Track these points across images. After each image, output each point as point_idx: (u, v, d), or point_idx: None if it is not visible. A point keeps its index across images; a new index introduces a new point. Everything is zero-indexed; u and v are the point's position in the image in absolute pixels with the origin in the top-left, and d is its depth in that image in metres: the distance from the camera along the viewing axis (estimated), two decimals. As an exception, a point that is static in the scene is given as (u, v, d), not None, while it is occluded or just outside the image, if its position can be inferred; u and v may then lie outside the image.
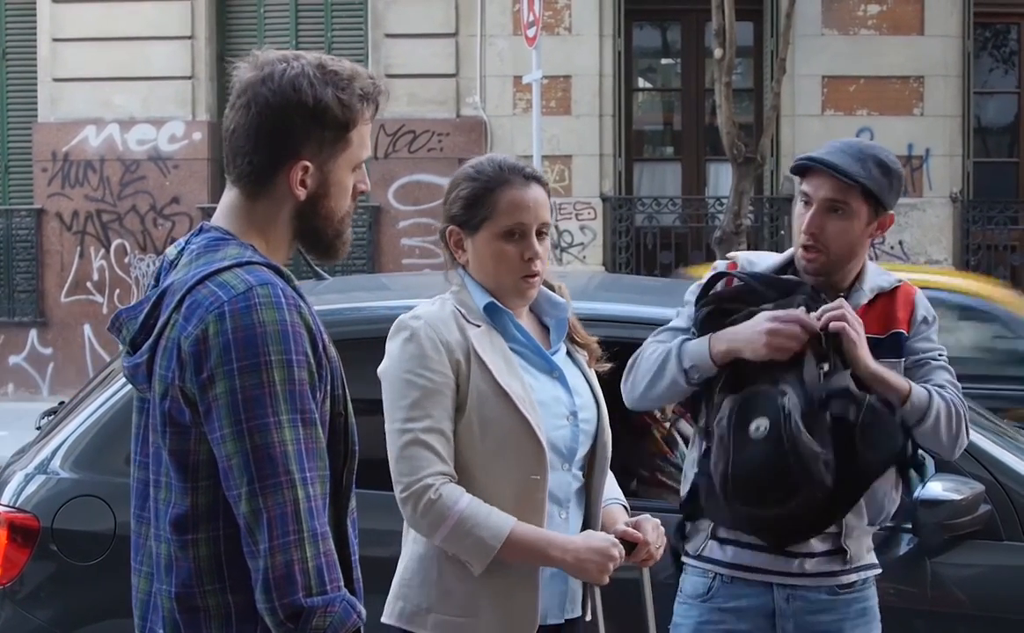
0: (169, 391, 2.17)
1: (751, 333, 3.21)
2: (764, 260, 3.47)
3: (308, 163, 2.28)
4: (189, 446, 2.17)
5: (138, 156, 14.23)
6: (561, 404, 3.03)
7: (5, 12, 14.69)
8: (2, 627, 4.05)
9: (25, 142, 14.50)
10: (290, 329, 2.14)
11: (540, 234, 3.02)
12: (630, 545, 2.99)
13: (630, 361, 3.38)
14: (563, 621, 3.06)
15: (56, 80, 14.32)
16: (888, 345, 3.32)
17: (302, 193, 2.29)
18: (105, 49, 14.19)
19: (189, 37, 14.19)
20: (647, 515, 3.11)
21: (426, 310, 2.98)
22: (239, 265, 2.19)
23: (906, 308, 3.39)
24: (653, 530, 3.03)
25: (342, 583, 2.17)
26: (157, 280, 2.32)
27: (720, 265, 3.46)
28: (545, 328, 3.15)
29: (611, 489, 3.20)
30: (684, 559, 3.40)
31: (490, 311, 3.02)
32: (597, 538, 2.92)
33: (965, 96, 14.21)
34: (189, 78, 14.20)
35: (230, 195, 2.32)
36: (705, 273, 3.44)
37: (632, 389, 3.38)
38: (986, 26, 14.81)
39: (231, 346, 2.11)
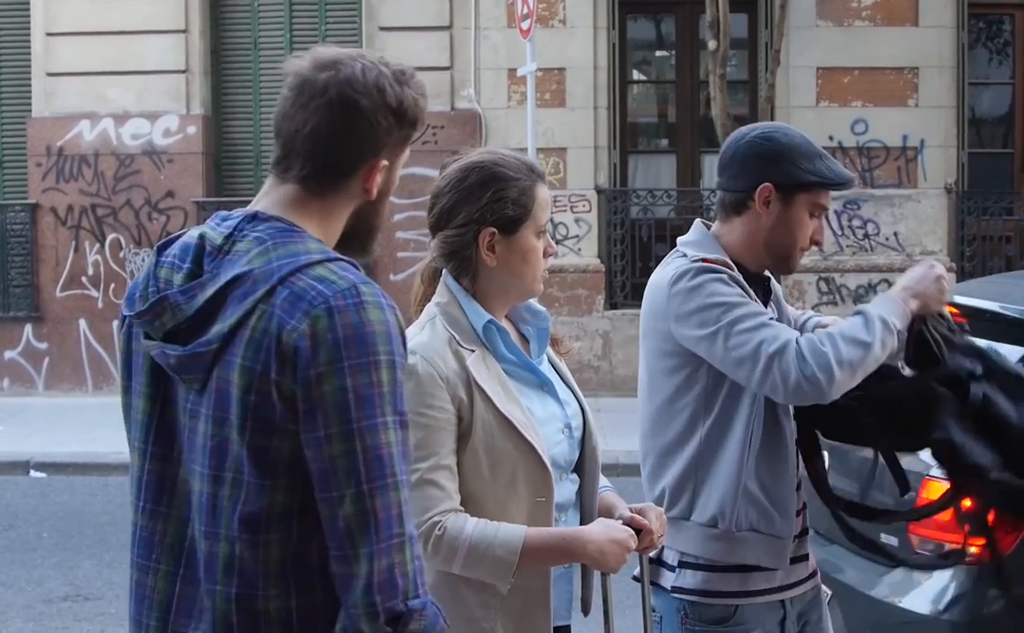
0: (255, 385, 2.09)
1: (935, 284, 3.15)
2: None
3: (386, 162, 2.27)
4: (272, 443, 2.10)
5: (132, 150, 14.22)
6: (556, 419, 3.02)
7: (-2, 6, 14.68)
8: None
9: (19, 137, 14.49)
10: (392, 330, 2.11)
11: None
12: (636, 531, 3.01)
13: (803, 350, 3.02)
14: (570, 622, 3.07)
15: (50, 75, 14.30)
16: None
17: (373, 192, 2.28)
18: (99, 43, 14.18)
19: (183, 31, 14.17)
20: (650, 503, 3.11)
21: (419, 341, 2.89)
22: (328, 260, 2.15)
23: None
24: (656, 518, 3.04)
25: (428, 588, 2.15)
26: (197, 264, 2.20)
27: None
28: (523, 338, 3.13)
29: (601, 480, 3.20)
30: (686, 596, 3.29)
31: (486, 331, 2.97)
32: (616, 529, 2.91)
33: (959, 87, 14.22)
34: (183, 72, 14.19)
35: (287, 189, 2.25)
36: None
37: (841, 366, 3.01)
38: (980, 17, 14.82)
39: (341, 343, 2.06)
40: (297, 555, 2.14)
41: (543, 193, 2.98)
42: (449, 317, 2.95)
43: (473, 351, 2.92)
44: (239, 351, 2.10)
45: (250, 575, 2.14)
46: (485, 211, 2.93)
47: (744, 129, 3.31)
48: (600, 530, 2.91)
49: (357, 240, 2.33)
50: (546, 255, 3.01)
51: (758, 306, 3.13)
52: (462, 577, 2.86)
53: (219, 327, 2.12)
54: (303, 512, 2.13)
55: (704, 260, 3.18)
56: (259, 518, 2.13)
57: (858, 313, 3.10)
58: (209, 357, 2.13)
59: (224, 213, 2.28)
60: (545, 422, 2.98)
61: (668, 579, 3.31)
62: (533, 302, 3.11)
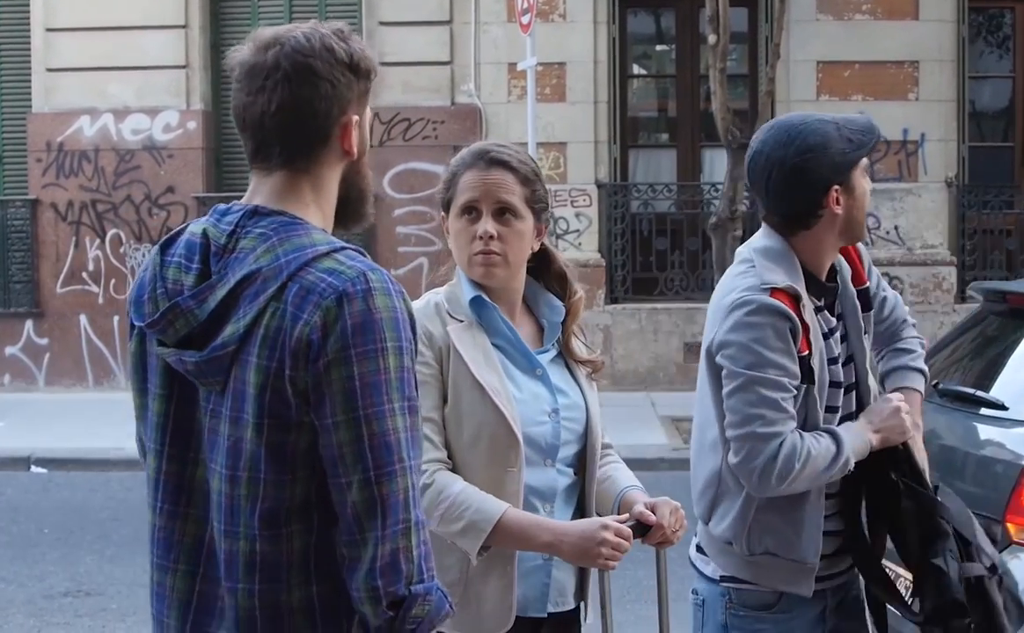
0: (270, 383, 2.10)
1: (894, 422, 3.26)
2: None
3: (355, 116, 2.28)
4: (289, 438, 2.12)
5: (132, 146, 14.21)
6: (541, 401, 3.05)
7: (-2, 2, 14.67)
8: None
9: (19, 132, 14.49)
10: (399, 316, 2.13)
11: (503, 215, 3.05)
12: (646, 527, 3.01)
13: (781, 454, 3.07)
14: (546, 615, 3.07)
15: (50, 70, 14.30)
16: (862, 302, 3.36)
17: (354, 151, 2.29)
18: (99, 39, 14.17)
19: (183, 26, 14.17)
20: (666, 498, 3.11)
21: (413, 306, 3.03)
22: (335, 250, 2.16)
23: (855, 254, 3.40)
24: (671, 513, 3.04)
25: (435, 573, 2.16)
26: (205, 263, 2.20)
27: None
28: (542, 329, 3.19)
29: (629, 477, 3.23)
30: (731, 584, 3.29)
31: (476, 306, 3.05)
32: (592, 527, 2.92)
33: (960, 81, 14.22)
34: (183, 67, 14.18)
35: (275, 179, 2.25)
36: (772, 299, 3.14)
37: (791, 484, 3.11)
38: (980, 11, 14.81)
39: (349, 332, 2.08)
40: (319, 543, 2.15)
41: (470, 176, 3.06)
42: (451, 294, 3.09)
43: (461, 321, 3.03)
44: (254, 350, 2.12)
45: (272, 569, 2.15)
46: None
47: (768, 149, 3.19)
48: (577, 526, 2.94)
49: (351, 206, 2.34)
50: (480, 238, 3.04)
51: (787, 376, 3.10)
52: (439, 538, 2.91)
53: (232, 328, 2.13)
54: (322, 500, 2.14)
55: (773, 292, 3.13)
56: (278, 513, 2.14)
57: (835, 440, 3.15)
58: (227, 359, 2.13)
59: (222, 207, 2.27)
60: (527, 401, 3.03)
61: (710, 567, 3.32)
62: (551, 297, 3.18)
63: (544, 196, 3.13)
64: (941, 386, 5.21)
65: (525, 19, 12.13)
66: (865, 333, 3.35)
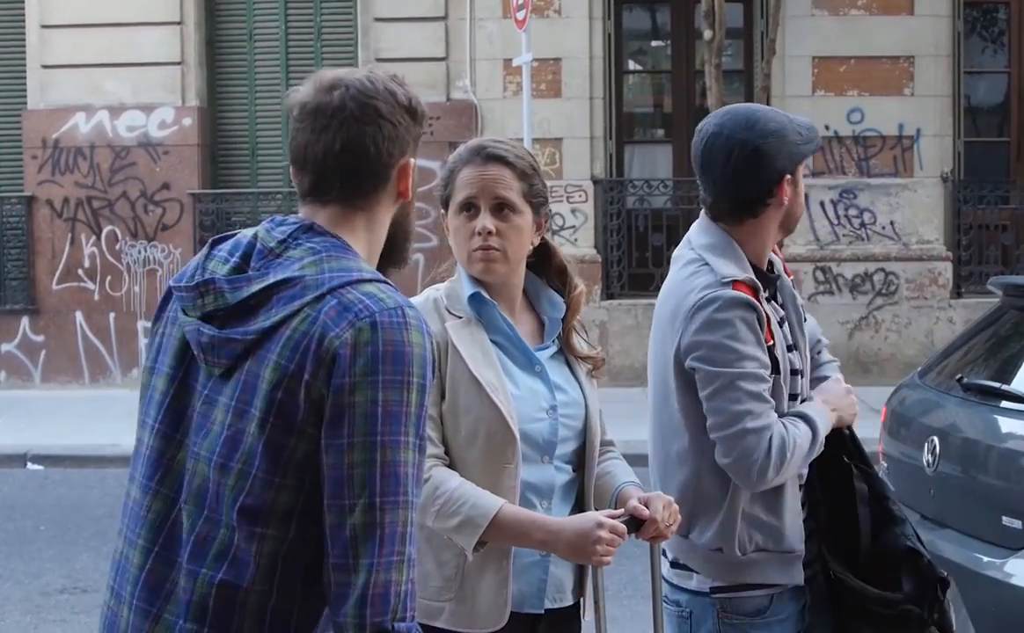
0: (285, 383, 2.14)
1: (847, 401, 3.35)
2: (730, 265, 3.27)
3: (412, 160, 2.36)
4: (289, 442, 2.14)
5: (128, 142, 14.20)
6: (539, 398, 3.05)
7: (-7, -1, 14.66)
8: None
9: (15, 129, 14.47)
10: (427, 356, 2.18)
11: (501, 210, 3.05)
12: (640, 522, 3.01)
13: (773, 446, 3.09)
14: (543, 611, 3.06)
15: (45, 67, 14.29)
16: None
17: (409, 193, 2.36)
18: (94, 35, 14.16)
19: (178, 22, 14.15)
20: (659, 492, 3.10)
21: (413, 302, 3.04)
22: (378, 281, 2.22)
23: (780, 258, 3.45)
24: (664, 507, 3.03)
25: (416, 613, 2.17)
26: (245, 260, 2.26)
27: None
28: (543, 324, 3.19)
29: (627, 473, 3.22)
30: (722, 593, 3.26)
31: (476, 302, 3.05)
32: (585, 523, 2.91)
33: (955, 76, 14.23)
34: (178, 64, 14.17)
35: (332, 209, 2.30)
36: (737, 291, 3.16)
37: (783, 473, 3.14)
38: (975, 6, 14.82)
39: (379, 358, 2.12)
40: (289, 556, 2.17)
41: (467, 172, 3.07)
42: (451, 290, 3.09)
43: (460, 317, 3.03)
44: (275, 348, 2.16)
45: (240, 565, 2.16)
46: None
47: (727, 131, 3.19)
48: (572, 523, 2.93)
49: (396, 247, 2.42)
50: (478, 233, 3.04)
51: (763, 367, 3.12)
52: (437, 534, 2.93)
53: (260, 323, 2.18)
54: (303, 516, 2.16)
55: (735, 284, 3.14)
56: (259, 510, 2.15)
57: (808, 422, 3.19)
58: (241, 347, 2.18)
59: (280, 218, 2.33)
60: (525, 397, 3.03)
61: (694, 580, 3.28)
62: (553, 293, 3.19)
63: (542, 190, 3.13)
64: (964, 380, 5.23)
65: (520, 15, 12.14)
66: (804, 320, 3.39)
